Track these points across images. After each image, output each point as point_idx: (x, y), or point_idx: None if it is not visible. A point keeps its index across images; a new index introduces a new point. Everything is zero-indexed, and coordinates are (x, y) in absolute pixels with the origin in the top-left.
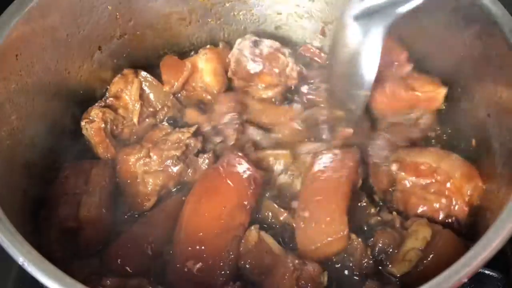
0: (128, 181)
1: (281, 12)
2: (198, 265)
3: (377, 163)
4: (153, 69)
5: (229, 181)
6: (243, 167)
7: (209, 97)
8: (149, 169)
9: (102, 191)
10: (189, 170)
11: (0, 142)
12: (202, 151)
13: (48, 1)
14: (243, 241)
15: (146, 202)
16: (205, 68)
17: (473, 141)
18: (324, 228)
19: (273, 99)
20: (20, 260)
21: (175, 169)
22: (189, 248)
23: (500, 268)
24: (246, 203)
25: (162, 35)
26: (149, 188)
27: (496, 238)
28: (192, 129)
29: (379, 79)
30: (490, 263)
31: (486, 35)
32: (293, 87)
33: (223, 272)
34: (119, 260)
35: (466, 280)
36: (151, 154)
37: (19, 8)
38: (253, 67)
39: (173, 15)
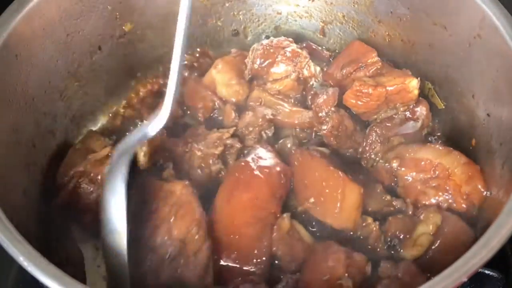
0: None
1: (280, 12)
2: (233, 255)
3: (372, 158)
4: (153, 69)
5: (260, 174)
6: (272, 161)
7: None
8: (192, 165)
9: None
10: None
11: (0, 142)
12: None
13: (48, 1)
14: (275, 227)
15: None
16: (218, 80)
17: (473, 141)
18: (329, 192)
19: (290, 96)
20: (20, 259)
21: (214, 168)
22: (224, 239)
23: (500, 268)
24: (277, 195)
25: (162, 35)
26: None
27: (496, 237)
28: (232, 130)
29: (350, 83)
30: (490, 263)
31: (486, 35)
32: (313, 83)
33: (259, 260)
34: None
35: (466, 279)
36: (194, 150)
37: (19, 8)
38: (264, 58)
39: (173, 15)
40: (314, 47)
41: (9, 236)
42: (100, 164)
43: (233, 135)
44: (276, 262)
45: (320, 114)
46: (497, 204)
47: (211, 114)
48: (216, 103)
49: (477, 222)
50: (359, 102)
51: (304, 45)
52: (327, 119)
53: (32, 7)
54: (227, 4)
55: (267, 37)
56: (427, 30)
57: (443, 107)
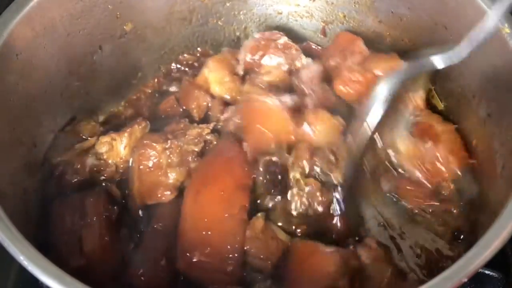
0: (148, 169)
1: (281, 12)
2: (206, 251)
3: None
4: (154, 68)
5: (222, 167)
6: (232, 150)
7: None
8: (171, 162)
9: (101, 219)
10: None
11: (1, 141)
12: None
13: (49, 0)
14: (249, 227)
15: (166, 191)
16: (211, 79)
17: (474, 141)
18: None
19: (281, 87)
20: (20, 258)
21: (193, 165)
22: (196, 235)
23: (500, 268)
24: (243, 185)
25: (163, 35)
26: (171, 181)
27: (496, 238)
28: (211, 125)
29: (339, 72)
30: (490, 263)
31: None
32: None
33: (231, 255)
34: (142, 277)
35: (466, 280)
36: (173, 146)
37: (20, 8)
38: (256, 50)
39: (173, 15)
40: (313, 46)
41: (9, 235)
42: (85, 154)
43: (214, 131)
44: (251, 261)
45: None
46: (498, 205)
47: (206, 113)
48: (209, 103)
49: (476, 226)
50: (350, 90)
51: (304, 44)
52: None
53: (32, 7)
54: (228, 4)
55: (258, 31)
56: (427, 30)
57: (443, 107)
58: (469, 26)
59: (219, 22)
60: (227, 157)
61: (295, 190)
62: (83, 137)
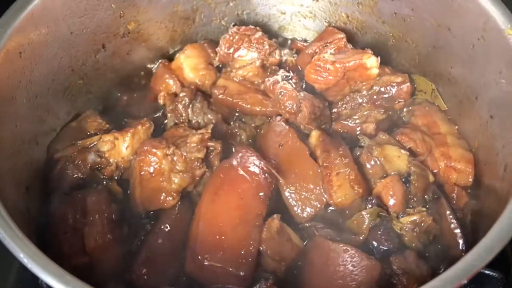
0: (149, 175)
1: (285, 12)
2: (219, 255)
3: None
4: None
5: (244, 174)
6: (256, 162)
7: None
8: (173, 168)
9: (103, 217)
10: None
11: (3, 139)
12: None
13: None
14: (265, 228)
15: (169, 197)
16: (186, 64)
17: (476, 143)
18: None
19: (256, 83)
20: (21, 256)
21: (199, 172)
22: (209, 239)
23: (500, 268)
24: (262, 194)
25: (166, 34)
26: (173, 186)
27: (497, 240)
28: (209, 128)
29: (313, 60)
30: (490, 263)
31: (490, 36)
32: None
33: (244, 261)
34: (145, 277)
35: (465, 281)
36: (176, 156)
37: (23, 6)
38: (230, 44)
39: (177, 14)
40: (299, 44)
41: (10, 232)
42: (87, 150)
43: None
44: (266, 262)
45: (288, 109)
46: (498, 207)
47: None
48: (178, 91)
49: (477, 227)
50: (319, 78)
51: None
52: (301, 107)
53: (36, 5)
54: (231, 4)
55: (234, 25)
56: (431, 31)
57: (446, 108)
58: (472, 27)
59: (222, 22)
60: (251, 166)
61: (408, 235)
62: (88, 133)
